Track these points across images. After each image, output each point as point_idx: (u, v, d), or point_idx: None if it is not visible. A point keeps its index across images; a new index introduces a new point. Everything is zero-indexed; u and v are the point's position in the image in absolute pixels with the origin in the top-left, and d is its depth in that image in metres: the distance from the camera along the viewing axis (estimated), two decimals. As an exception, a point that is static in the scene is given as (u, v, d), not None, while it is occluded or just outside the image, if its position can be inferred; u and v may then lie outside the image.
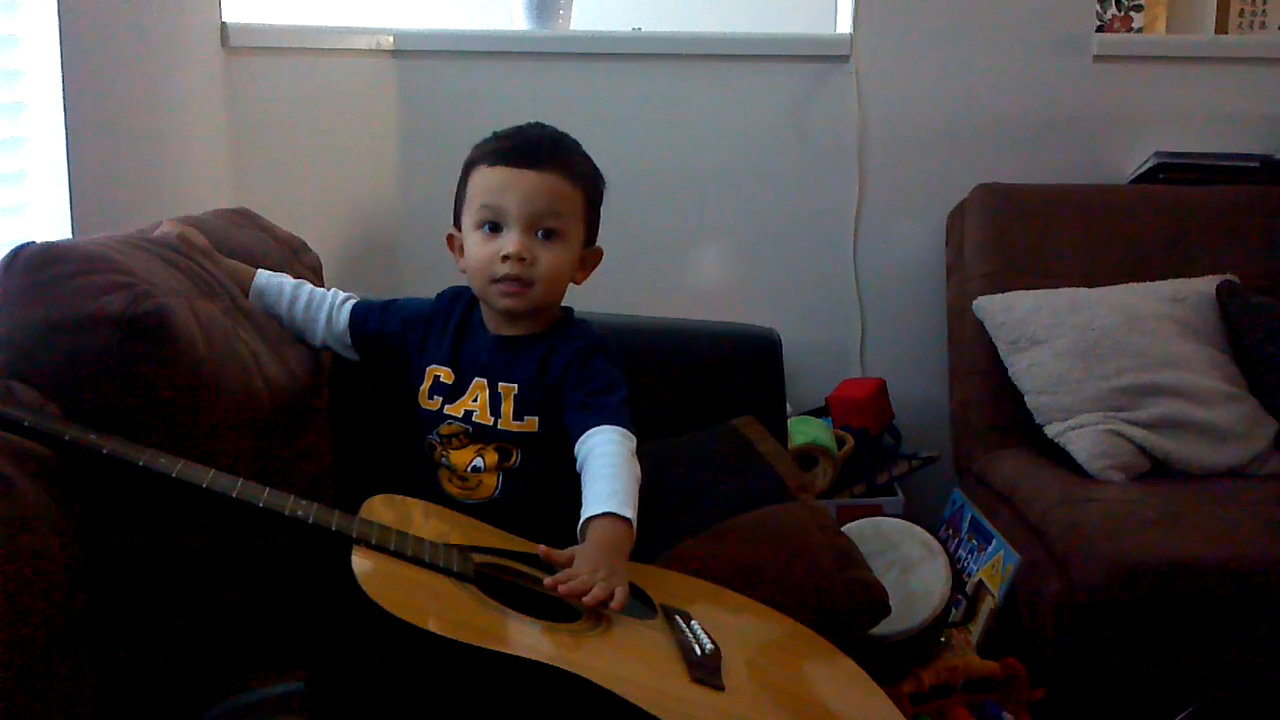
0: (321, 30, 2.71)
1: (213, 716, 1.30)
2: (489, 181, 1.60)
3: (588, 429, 1.53)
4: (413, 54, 2.74)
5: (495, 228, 1.59)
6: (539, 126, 1.67)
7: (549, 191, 1.59)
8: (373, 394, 1.84)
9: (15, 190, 1.82)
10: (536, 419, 1.60)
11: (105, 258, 1.36)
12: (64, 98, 1.83)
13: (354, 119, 2.74)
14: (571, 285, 1.66)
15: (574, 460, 1.55)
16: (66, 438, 1.20)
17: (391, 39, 2.72)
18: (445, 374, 1.65)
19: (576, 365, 1.61)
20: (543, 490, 1.59)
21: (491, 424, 1.60)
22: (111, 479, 1.25)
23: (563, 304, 1.69)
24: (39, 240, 1.35)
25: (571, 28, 2.88)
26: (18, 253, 1.33)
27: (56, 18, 1.81)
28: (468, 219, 1.63)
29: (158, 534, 1.33)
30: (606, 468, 1.48)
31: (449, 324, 1.68)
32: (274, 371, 1.57)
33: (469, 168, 1.64)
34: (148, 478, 1.23)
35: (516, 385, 1.61)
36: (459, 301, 1.70)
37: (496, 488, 1.60)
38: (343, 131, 2.73)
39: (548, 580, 1.33)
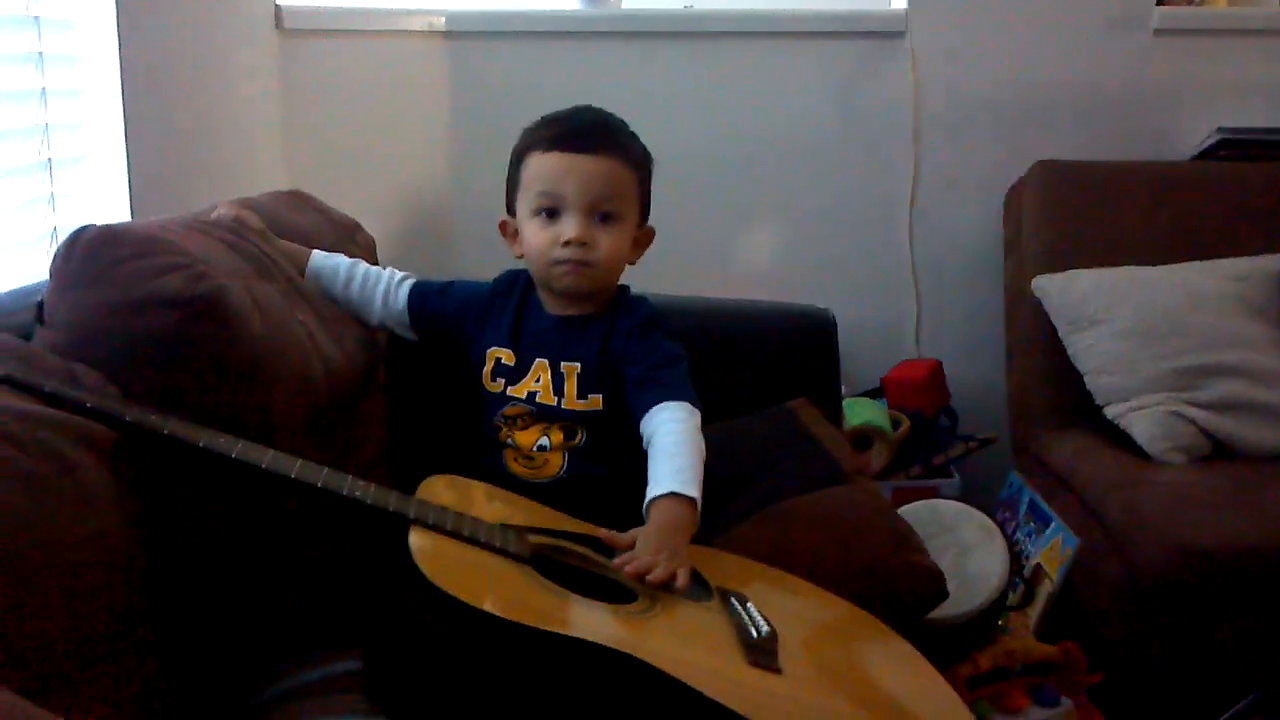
0: (374, 12, 2.71)
1: (271, 695, 1.31)
2: (545, 168, 1.59)
3: (651, 406, 1.53)
4: (465, 35, 2.74)
5: (553, 213, 1.59)
6: (589, 110, 1.66)
7: (606, 176, 1.58)
8: (430, 373, 1.84)
9: (74, 174, 1.84)
10: (601, 397, 1.60)
11: (162, 240, 1.37)
12: (121, 83, 1.85)
13: (407, 100, 2.74)
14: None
15: (639, 438, 1.54)
16: (128, 418, 1.22)
17: (444, 20, 2.72)
18: (506, 356, 1.64)
19: (634, 341, 1.60)
20: (610, 468, 1.59)
21: (555, 404, 1.60)
22: (172, 459, 1.26)
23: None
24: (97, 224, 1.36)
25: (623, 6, 2.87)
26: (77, 236, 1.34)
27: (113, 2, 1.82)
28: (524, 206, 1.62)
29: (217, 513, 1.34)
30: (670, 445, 1.47)
31: (508, 306, 1.68)
32: (331, 351, 1.57)
33: (522, 154, 1.63)
34: (207, 458, 1.24)
35: (579, 364, 1.60)
36: (517, 284, 1.70)
37: (563, 466, 1.60)
38: (396, 113, 2.73)
39: (614, 562, 1.34)
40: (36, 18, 1.73)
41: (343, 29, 2.65)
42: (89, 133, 1.86)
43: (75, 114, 1.84)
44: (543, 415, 1.61)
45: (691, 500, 1.42)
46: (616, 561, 1.35)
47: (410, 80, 2.74)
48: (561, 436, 1.60)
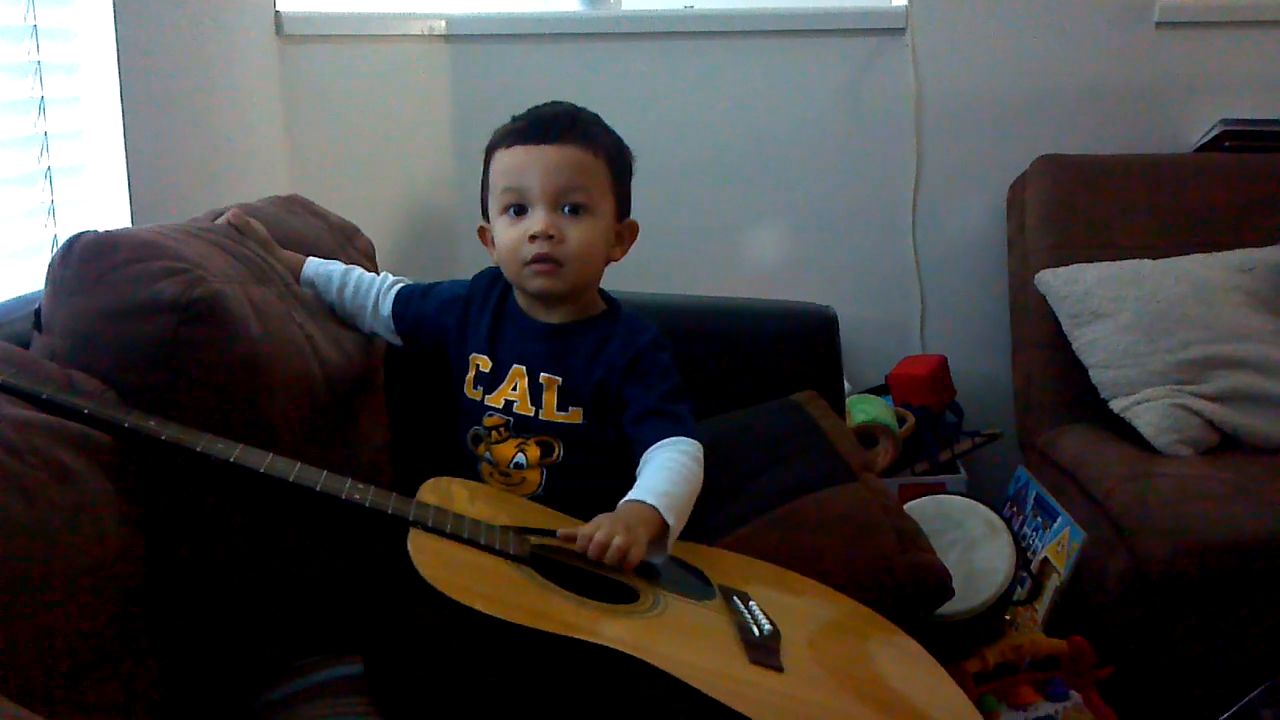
0: (374, 16, 2.72)
1: (272, 699, 1.31)
2: (508, 163, 1.57)
3: (660, 438, 1.50)
4: (465, 38, 2.75)
5: (521, 210, 1.56)
6: (554, 103, 1.63)
7: (570, 164, 1.55)
8: (429, 374, 1.83)
9: (74, 183, 1.84)
10: (581, 410, 1.56)
11: (159, 245, 1.37)
12: (120, 90, 1.85)
13: (408, 104, 2.74)
14: (621, 263, 1.64)
15: (620, 456, 1.53)
16: (125, 424, 1.22)
17: (444, 24, 2.72)
18: (484, 362, 1.61)
19: (645, 363, 1.57)
20: (589, 485, 1.54)
21: (533, 414, 1.57)
22: (170, 464, 1.26)
23: (603, 284, 1.66)
24: (94, 230, 1.36)
25: (624, 7, 2.86)
26: (73, 242, 1.34)
27: (112, 10, 1.82)
28: (493, 206, 1.60)
29: (217, 518, 1.34)
30: (664, 470, 1.46)
31: (485, 308, 1.65)
32: (329, 354, 1.57)
33: (488, 154, 1.61)
34: (206, 463, 1.24)
35: (561, 378, 1.57)
36: (495, 285, 1.67)
37: (540, 484, 1.56)
38: (397, 117, 2.73)
39: (562, 535, 1.35)
40: (35, 27, 1.73)
41: (343, 34, 2.65)
42: (89, 141, 1.86)
43: (75, 123, 1.84)
44: (520, 427, 1.57)
45: (661, 517, 1.39)
46: (566, 536, 1.35)
47: (411, 84, 2.74)
48: (539, 453, 1.56)
